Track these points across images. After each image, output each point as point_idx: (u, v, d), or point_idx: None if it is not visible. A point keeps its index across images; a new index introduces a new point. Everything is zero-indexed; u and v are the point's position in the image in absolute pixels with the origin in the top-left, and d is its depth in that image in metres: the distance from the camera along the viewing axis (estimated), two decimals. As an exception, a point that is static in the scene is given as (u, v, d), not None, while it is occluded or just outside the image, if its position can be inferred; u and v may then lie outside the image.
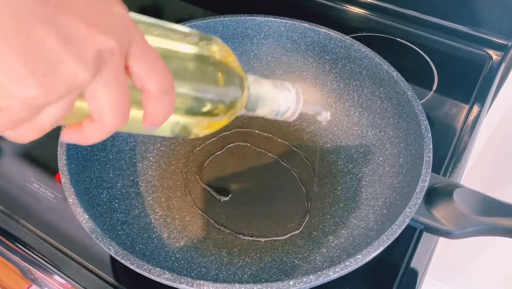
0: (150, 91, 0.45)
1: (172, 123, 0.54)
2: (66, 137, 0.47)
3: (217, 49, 0.55)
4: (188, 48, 0.53)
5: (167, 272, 0.60)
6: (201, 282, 0.59)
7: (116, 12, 0.42)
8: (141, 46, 0.44)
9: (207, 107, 0.54)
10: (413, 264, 0.81)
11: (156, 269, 0.60)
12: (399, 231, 0.66)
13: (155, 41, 0.49)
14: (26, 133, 0.42)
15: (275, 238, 0.82)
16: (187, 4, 1.37)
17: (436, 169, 0.90)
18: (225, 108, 0.56)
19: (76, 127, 0.46)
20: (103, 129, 0.44)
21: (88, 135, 0.46)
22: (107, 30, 0.40)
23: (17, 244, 0.81)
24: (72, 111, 0.43)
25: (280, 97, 0.63)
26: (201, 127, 0.57)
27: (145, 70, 0.44)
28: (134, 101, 0.45)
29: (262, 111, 0.63)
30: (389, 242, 0.65)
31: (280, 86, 0.64)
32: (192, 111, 0.54)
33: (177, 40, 0.52)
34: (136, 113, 0.48)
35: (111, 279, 0.77)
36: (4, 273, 1.02)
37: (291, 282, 0.60)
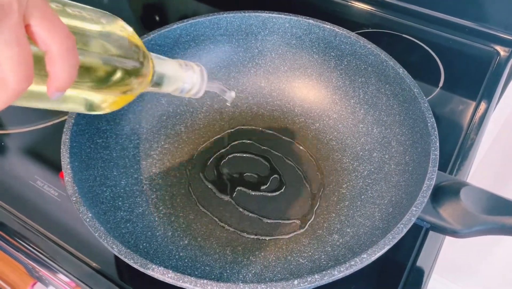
0: (53, 51, 0.45)
1: (78, 97, 0.55)
2: None
3: (120, 27, 0.58)
4: (92, 26, 0.54)
5: (170, 271, 0.60)
6: (205, 281, 0.59)
7: None
8: (41, 6, 0.45)
9: (111, 78, 0.55)
10: (419, 263, 0.80)
11: (160, 268, 0.60)
12: (405, 230, 0.65)
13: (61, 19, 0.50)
14: None
15: (280, 237, 0.82)
16: (191, 1, 1.37)
17: (442, 166, 0.89)
18: (129, 82, 0.58)
19: None
20: (7, 91, 0.43)
21: None
22: None
23: (22, 242, 0.81)
24: None
25: (185, 76, 0.66)
26: (108, 102, 0.58)
27: (47, 29, 0.45)
28: (37, 75, 0.46)
29: (168, 88, 0.66)
30: (395, 241, 0.64)
31: (184, 65, 0.67)
32: (98, 84, 0.55)
33: (80, 18, 0.53)
34: (41, 87, 0.49)
35: (115, 277, 0.77)
36: (10, 269, 1.02)
37: (296, 282, 0.59)
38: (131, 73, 0.57)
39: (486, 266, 1.80)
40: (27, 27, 0.44)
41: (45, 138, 0.96)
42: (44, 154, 0.93)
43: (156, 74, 0.63)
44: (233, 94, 0.75)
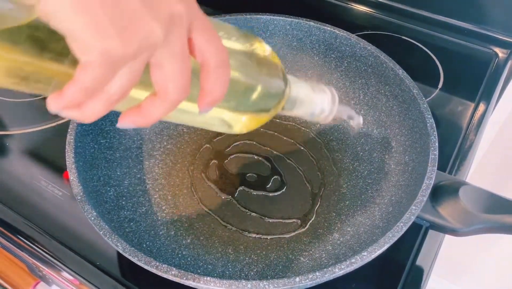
0: (209, 64, 0.47)
1: (218, 115, 0.56)
2: (124, 121, 0.47)
3: (261, 47, 0.58)
4: (237, 45, 0.55)
5: (174, 269, 0.60)
6: (208, 278, 0.60)
7: None
8: (203, 20, 0.47)
9: (252, 97, 0.55)
10: (418, 262, 0.81)
11: (163, 266, 0.61)
12: (404, 229, 0.66)
13: None
14: (94, 108, 0.43)
15: (281, 236, 0.83)
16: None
17: (442, 167, 0.90)
18: (268, 101, 0.58)
19: (135, 109, 0.47)
20: (166, 101, 0.45)
21: (150, 111, 0.46)
22: None
23: (26, 241, 0.82)
24: (127, 98, 0.44)
25: (317, 99, 0.65)
26: (243, 122, 0.58)
27: (206, 42, 0.46)
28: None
29: (299, 112, 0.65)
30: (395, 239, 0.65)
31: (317, 88, 0.65)
32: (239, 102, 0.55)
33: (226, 36, 0.54)
34: (187, 104, 0.50)
35: (118, 275, 0.78)
36: (12, 270, 1.02)
37: (297, 279, 0.60)
38: (271, 94, 0.57)
39: (485, 266, 1.80)
40: (188, 39, 0.46)
41: (49, 139, 0.97)
42: (47, 155, 0.94)
43: (290, 97, 0.62)
44: (361, 120, 0.74)
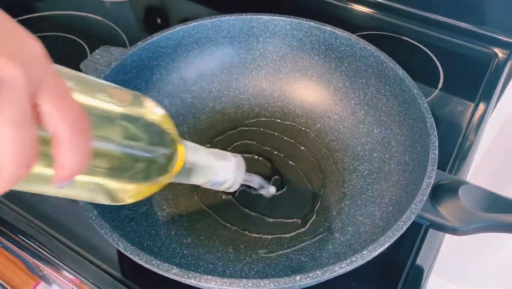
0: (61, 136, 0.41)
1: (92, 185, 0.51)
2: None
3: (148, 109, 0.53)
4: (114, 107, 0.50)
5: (175, 267, 0.60)
6: (209, 277, 0.60)
7: (30, 44, 0.39)
8: (53, 82, 0.41)
9: (133, 167, 0.51)
10: (419, 261, 0.81)
11: (165, 265, 0.61)
12: (404, 227, 0.66)
13: (77, 97, 0.47)
14: None
15: (281, 235, 0.83)
16: (192, 4, 1.38)
17: (442, 167, 0.90)
18: (153, 171, 0.54)
19: None
20: (3, 176, 0.38)
21: None
22: (14, 57, 0.37)
23: (27, 240, 0.82)
24: None
25: (218, 168, 0.63)
26: (128, 193, 0.54)
27: (56, 109, 0.41)
28: (41, 156, 0.42)
29: (199, 180, 0.63)
30: (395, 238, 0.65)
31: (219, 155, 0.64)
32: (116, 173, 0.51)
33: (101, 97, 0.49)
34: (44, 170, 0.45)
35: (118, 275, 0.78)
36: (11, 271, 1.02)
37: (298, 277, 0.60)
38: (155, 162, 0.54)
39: (484, 266, 1.80)
40: (34, 106, 0.40)
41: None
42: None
43: (186, 164, 0.60)
44: (273, 190, 0.73)
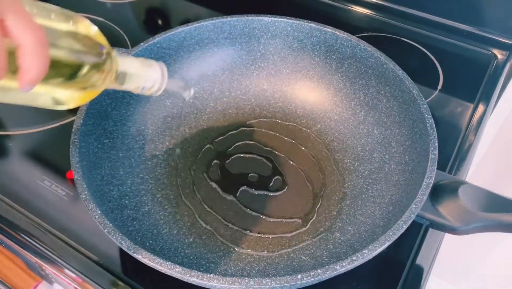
0: (25, 44, 0.48)
1: (45, 93, 0.57)
2: None
3: (85, 26, 0.60)
4: (58, 25, 0.56)
5: (178, 266, 0.61)
6: (211, 275, 0.60)
7: None
8: (15, 3, 0.48)
9: (76, 74, 0.57)
10: (418, 260, 0.82)
11: (167, 263, 0.61)
12: (405, 227, 0.66)
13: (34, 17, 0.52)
14: None
15: (282, 235, 0.83)
16: (193, 5, 1.38)
17: (441, 167, 0.91)
18: (93, 77, 0.60)
19: None
20: None
21: None
22: None
23: (29, 240, 0.82)
24: None
25: (146, 74, 0.68)
26: (72, 98, 0.60)
27: (19, 23, 0.48)
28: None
29: (130, 86, 0.68)
30: (395, 237, 0.65)
31: (146, 64, 0.68)
32: (64, 79, 0.57)
33: (47, 17, 0.56)
34: (12, 84, 0.51)
35: (120, 273, 0.78)
36: (12, 272, 1.03)
37: (299, 276, 0.61)
38: (95, 68, 0.59)
39: (484, 267, 1.80)
40: (1, 21, 0.47)
41: (52, 140, 0.97)
42: (51, 155, 0.95)
43: (119, 72, 0.65)
44: (192, 91, 0.77)
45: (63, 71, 0.56)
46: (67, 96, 0.59)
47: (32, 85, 0.51)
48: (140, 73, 0.67)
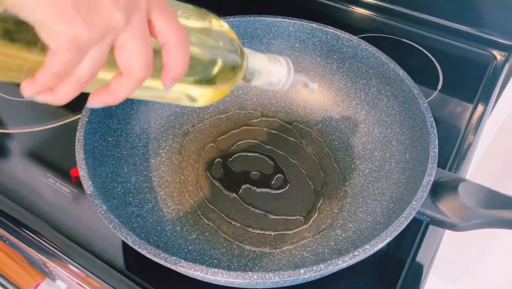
0: (169, 43, 0.50)
1: (182, 90, 0.59)
2: (94, 100, 0.50)
3: (219, 23, 0.61)
4: (194, 23, 0.58)
5: (182, 261, 0.62)
6: (216, 270, 0.61)
7: None
8: (161, 3, 0.49)
9: (212, 71, 0.58)
10: (419, 257, 0.82)
11: (172, 258, 0.62)
12: (406, 223, 0.67)
13: None
14: (65, 91, 0.46)
15: (284, 232, 0.84)
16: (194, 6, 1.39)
17: (441, 166, 0.91)
18: (228, 74, 0.60)
19: (103, 89, 0.50)
20: (132, 80, 0.48)
21: (117, 90, 0.49)
22: None
23: (34, 236, 0.83)
24: (95, 80, 0.47)
25: (274, 69, 0.68)
26: (206, 95, 0.61)
27: (165, 23, 0.49)
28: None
29: (258, 82, 0.68)
30: (396, 233, 0.66)
31: (273, 59, 0.68)
32: (200, 78, 0.58)
33: (184, 15, 0.58)
34: (153, 82, 0.53)
35: (123, 269, 0.79)
36: (13, 271, 1.03)
37: (302, 271, 0.62)
38: (230, 66, 0.60)
39: (482, 266, 1.81)
40: (148, 22, 0.48)
41: (55, 138, 0.98)
42: (55, 153, 0.96)
43: (249, 68, 0.65)
44: (316, 86, 0.78)
45: (199, 68, 0.57)
46: (200, 93, 0.61)
47: (174, 83, 0.53)
48: (268, 69, 0.68)
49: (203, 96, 0.61)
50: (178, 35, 0.50)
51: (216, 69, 0.58)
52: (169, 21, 0.49)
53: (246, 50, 0.65)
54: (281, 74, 0.69)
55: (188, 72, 0.54)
